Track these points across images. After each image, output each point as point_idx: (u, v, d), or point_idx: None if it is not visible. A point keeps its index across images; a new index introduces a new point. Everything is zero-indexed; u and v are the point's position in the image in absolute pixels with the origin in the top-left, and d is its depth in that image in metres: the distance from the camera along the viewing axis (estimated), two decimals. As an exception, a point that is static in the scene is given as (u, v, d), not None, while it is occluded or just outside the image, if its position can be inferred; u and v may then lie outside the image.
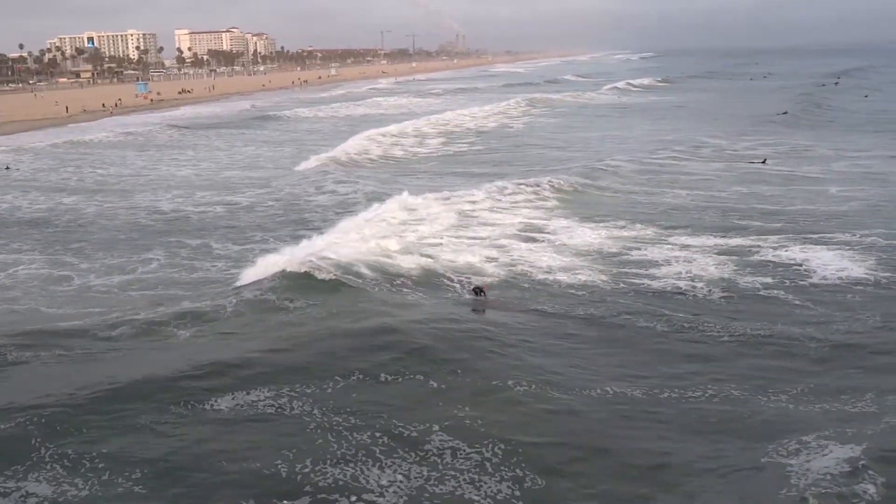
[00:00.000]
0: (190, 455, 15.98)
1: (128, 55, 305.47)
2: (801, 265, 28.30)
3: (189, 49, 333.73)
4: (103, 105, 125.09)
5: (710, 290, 25.89)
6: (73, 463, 15.67)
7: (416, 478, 15.02)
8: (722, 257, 29.48)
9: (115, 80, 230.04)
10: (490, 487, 14.70)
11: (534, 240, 32.72)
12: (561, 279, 27.35)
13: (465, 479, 14.94)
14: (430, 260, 29.23)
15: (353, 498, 14.39)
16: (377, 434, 16.48)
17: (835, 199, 40.29)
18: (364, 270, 27.45)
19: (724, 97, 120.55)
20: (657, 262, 29.18)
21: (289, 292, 25.19)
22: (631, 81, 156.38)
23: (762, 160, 53.03)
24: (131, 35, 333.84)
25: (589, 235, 33.24)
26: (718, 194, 42.16)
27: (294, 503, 14.33)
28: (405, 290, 26.45)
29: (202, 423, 17.20)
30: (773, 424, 16.62)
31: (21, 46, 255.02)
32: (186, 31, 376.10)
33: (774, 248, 30.40)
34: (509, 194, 41.69)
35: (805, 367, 19.81)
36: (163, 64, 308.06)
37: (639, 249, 30.92)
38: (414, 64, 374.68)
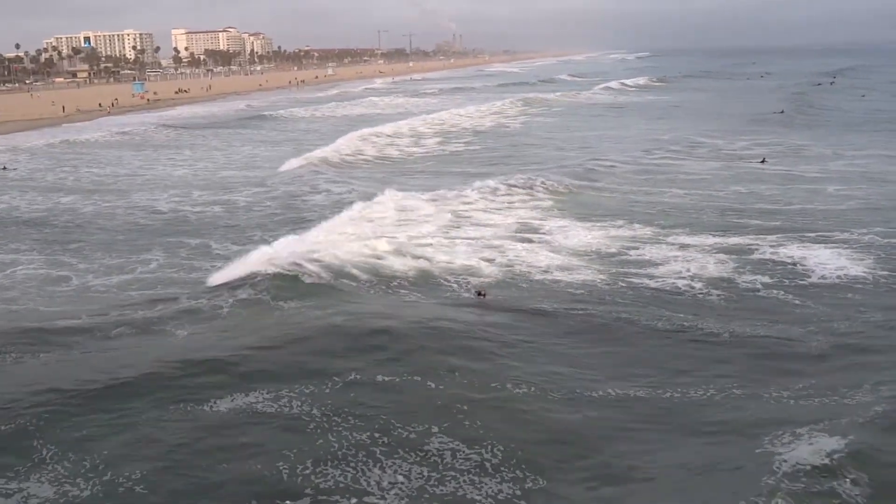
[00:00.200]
0: (190, 454, 15.99)
1: (124, 55, 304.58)
2: (799, 264, 28.36)
3: (186, 49, 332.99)
4: (100, 105, 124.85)
5: (708, 289, 25.92)
6: (72, 462, 15.68)
7: (416, 478, 15.02)
8: (721, 256, 29.51)
9: (111, 79, 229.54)
10: (490, 488, 14.70)
11: (531, 240, 32.71)
12: (560, 279, 27.36)
13: (465, 480, 14.95)
14: (429, 260, 29.23)
15: (354, 500, 14.39)
16: (376, 435, 16.49)
17: (833, 198, 40.35)
18: (360, 271, 27.53)
19: (722, 97, 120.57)
20: (656, 261, 29.20)
21: (284, 292, 25.31)
22: (625, 81, 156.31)
23: (761, 160, 53.10)
24: (128, 35, 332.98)
25: (587, 235, 33.22)
26: (716, 193, 42.20)
27: (294, 503, 14.36)
28: (402, 290, 26.46)
29: (202, 423, 17.20)
30: (773, 422, 16.62)
31: (17, 46, 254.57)
32: (183, 31, 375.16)
33: (773, 247, 30.45)
34: (506, 194, 41.72)
35: (803, 365, 19.84)
36: (159, 64, 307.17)
37: (637, 249, 30.93)
38: (411, 63, 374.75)
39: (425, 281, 27.32)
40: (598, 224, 35.14)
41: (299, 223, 36.87)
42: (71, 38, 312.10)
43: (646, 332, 22.31)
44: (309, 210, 40.77)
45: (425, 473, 15.17)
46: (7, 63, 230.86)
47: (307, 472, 15.21)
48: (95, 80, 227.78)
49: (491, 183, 43.66)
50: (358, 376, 19.19)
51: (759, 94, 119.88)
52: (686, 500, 14.37)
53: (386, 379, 19.04)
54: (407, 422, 16.96)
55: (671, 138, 66.53)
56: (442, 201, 39.69)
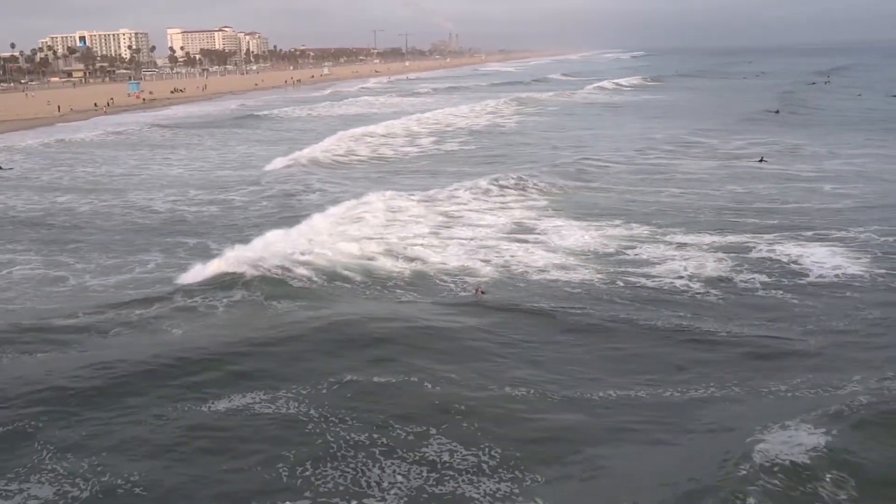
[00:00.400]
0: (188, 454, 15.97)
1: (120, 54, 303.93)
2: (796, 262, 28.42)
3: (181, 48, 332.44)
4: (95, 105, 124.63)
5: (706, 288, 25.96)
6: (69, 461, 15.64)
7: (414, 478, 15.01)
8: (718, 255, 29.55)
9: (107, 79, 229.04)
10: (488, 487, 14.70)
11: (526, 240, 32.70)
12: (557, 279, 27.37)
13: (463, 480, 14.93)
14: (428, 261, 29.24)
15: (353, 500, 14.38)
16: (375, 435, 16.45)
17: (829, 197, 40.44)
18: (356, 272, 27.53)
19: (717, 96, 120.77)
20: (653, 260, 29.23)
21: (278, 292, 25.35)
22: (619, 81, 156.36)
23: (759, 159, 53.18)
24: (123, 34, 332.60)
25: (583, 235, 33.21)
26: (713, 192, 42.27)
27: (294, 503, 14.36)
28: (398, 290, 26.46)
29: (201, 422, 17.16)
30: (770, 420, 16.60)
31: (12, 46, 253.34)
32: (179, 31, 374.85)
33: (770, 246, 30.51)
34: (500, 195, 41.70)
35: (801, 363, 19.86)
36: (155, 63, 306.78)
37: (634, 248, 30.95)
38: (407, 63, 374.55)
39: (421, 281, 27.31)
40: (595, 223, 35.13)
41: (297, 222, 36.77)
42: (66, 37, 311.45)
43: (644, 331, 22.32)
44: (304, 209, 40.68)
45: (424, 473, 15.15)
46: (2, 62, 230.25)
47: (306, 472, 15.19)
48: (91, 80, 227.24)
49: (482, 183, 43.59)
50: (355, 376, 19.14)
51: (753, 94, 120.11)
52: (686, 499, 14.37)
53: (383, 379, 18.99)
54: (405, 422, 16.93)
55: (665, 137, 66.64)
56: (432, 202, 39.63)
